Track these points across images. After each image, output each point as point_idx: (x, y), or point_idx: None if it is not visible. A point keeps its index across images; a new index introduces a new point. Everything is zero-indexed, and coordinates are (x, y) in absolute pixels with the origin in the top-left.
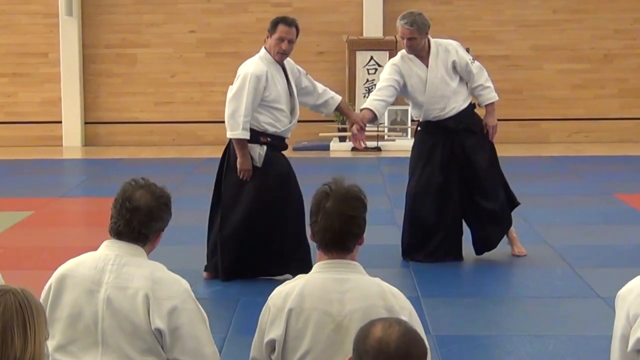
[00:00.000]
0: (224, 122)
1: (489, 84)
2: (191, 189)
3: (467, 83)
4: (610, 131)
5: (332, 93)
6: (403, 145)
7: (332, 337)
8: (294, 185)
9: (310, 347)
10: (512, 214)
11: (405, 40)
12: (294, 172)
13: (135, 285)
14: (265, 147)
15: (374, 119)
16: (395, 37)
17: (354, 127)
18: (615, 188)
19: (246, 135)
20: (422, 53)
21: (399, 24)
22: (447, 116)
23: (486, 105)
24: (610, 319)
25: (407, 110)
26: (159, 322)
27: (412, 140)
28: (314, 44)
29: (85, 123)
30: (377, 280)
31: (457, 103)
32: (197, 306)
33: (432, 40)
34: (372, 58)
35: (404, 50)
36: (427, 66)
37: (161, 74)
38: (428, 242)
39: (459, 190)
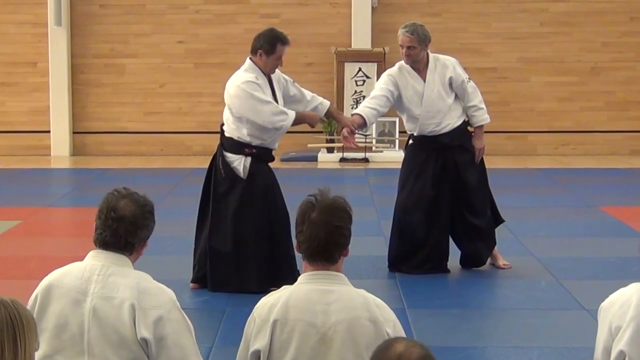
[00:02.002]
0: (211, 132)
1: (483, 105)
2: (179, 199)
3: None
4: (597, 144)
5: (321, 99)
6: (391, 156)
7: (317, 348)
8: (278, 197)
9: (294, 358)
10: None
11: (404, 49)
12: (279, 184)
13: (121, 296)
14: (250, 159)
15: (363, 124)
16: (384, 48)
17: (345, 130)
18: (601, 201)
19: (292, 114)
20: (420, 66)
21: (400, 32)
22: (442, 132)
23: (476, 127)
24: (595, 331)
25: (395, 121)
26: (144, 332)
27: (400, 151)
28: (302, 55)
29: (74, 133)
30: (362, 291)
31: (452, 119)
32: (183, 316)
33: (431, 55)
34: (360, 69)
35: (402, 62)
36: (424, 80)
37: (149, 84)
38: (415, 255)
39: (448, 205)
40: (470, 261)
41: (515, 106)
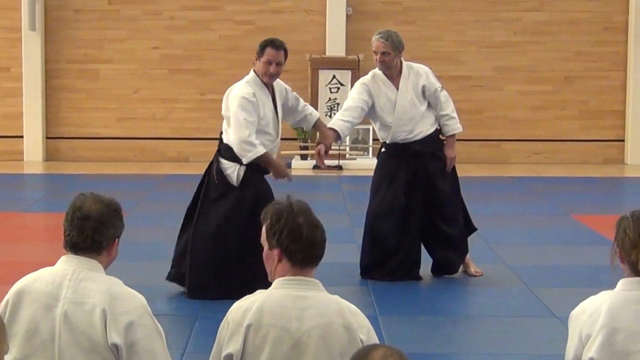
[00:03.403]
0: (185, 138)
1: (455, 115)
2: (152, 205)
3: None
4: (570, 152)
5: (311, 109)
6: (364, 164)
7: (290, 354)
8: None
9: None
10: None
11: (378, 55)
12: (273, 196)
13: (93, 301)
14: (244, 168)
15: (337, 139)
16: (358, 56)
17: (320, 147)
18: (572, 209)
19: (262, 149)
20: (393, 73)
21: (374, 38)
22: (414, 139)
23: (448, 136)
24: (566, 339)
25: (368, 129)
26: (115, 338)
27: (374, 159)
28: None
29: (47, 138)
30: (336, 297)
31: (425, 127)
32: (154, 322)
33: (405, 63)
34: (334, 77)
35: (375, 70)
36: (397, 88)
37: (124, 90)
38: (387, 262)
39: (420, 212)
40: (442, 269)
41: (489, 114)
